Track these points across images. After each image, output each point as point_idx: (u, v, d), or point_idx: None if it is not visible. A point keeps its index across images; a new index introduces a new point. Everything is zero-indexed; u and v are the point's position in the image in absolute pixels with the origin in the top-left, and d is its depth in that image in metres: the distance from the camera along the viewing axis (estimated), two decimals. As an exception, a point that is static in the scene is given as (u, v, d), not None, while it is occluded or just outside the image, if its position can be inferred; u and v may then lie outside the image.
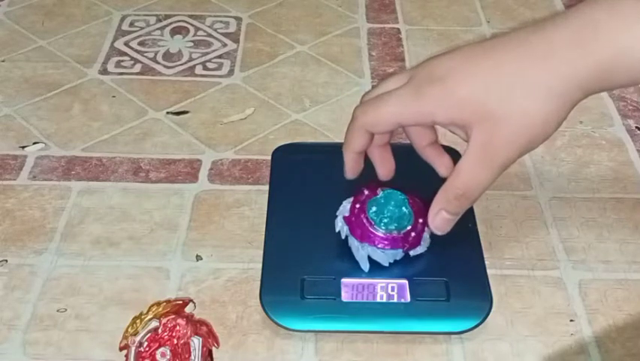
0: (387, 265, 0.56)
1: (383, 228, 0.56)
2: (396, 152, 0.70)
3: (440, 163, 0.57)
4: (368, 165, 0.59)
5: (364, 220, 0.56)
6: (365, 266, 0.57)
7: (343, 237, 0.58)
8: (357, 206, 0.57)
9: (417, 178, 0.59)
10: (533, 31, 0.49)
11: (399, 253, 0.56)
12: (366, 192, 0.58)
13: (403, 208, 0.57)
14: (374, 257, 0.56)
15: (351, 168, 0.57)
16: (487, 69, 0.49)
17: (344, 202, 0.59)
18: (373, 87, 0.56)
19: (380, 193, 0.57)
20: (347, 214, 0.58)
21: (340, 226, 0.58)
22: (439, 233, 0.55)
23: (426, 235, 0.57)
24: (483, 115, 0.49)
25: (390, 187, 0.58)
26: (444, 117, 0.51)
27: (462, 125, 0.51)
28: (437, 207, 0.53)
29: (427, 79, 0.51)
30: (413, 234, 0.56)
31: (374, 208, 0.56)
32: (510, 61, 0.49)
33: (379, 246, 0.56)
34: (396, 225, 0.56)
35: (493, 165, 0.51)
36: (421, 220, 0.56)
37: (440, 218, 0.54)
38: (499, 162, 0.50)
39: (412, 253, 0.57)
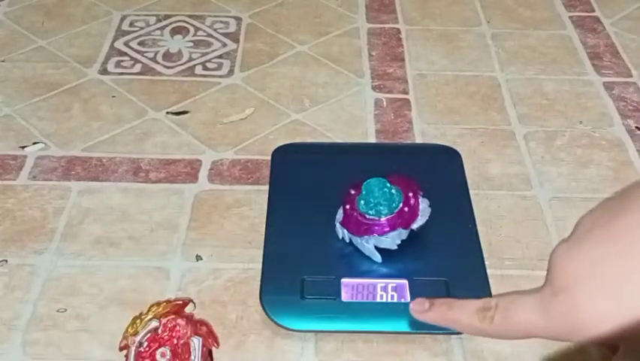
0: (395, 247, 0.57)
1: (376, 215, 0.56)
2: (395, 151, 0.70)
3: None
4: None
5: (358, 217, 0.57)
6: (377, 257, 0.57)
7: (348, 241, 0.58)
8: (348, 207, 0.58)
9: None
10: None
11: (403, 233, 0.57)
12: (352, 191, 0.58)
13: (387, 190, 0.57)
14: (381, 245, 0.57)
15: None
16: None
17: (339, 210, 0.59)
18: None
19: (362, 187, 0.58)
20: (342, 219, 0.58)
21: (341, 232, 0.58)
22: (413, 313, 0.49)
23: (424, 206, 0.57)
24: None
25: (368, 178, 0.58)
26: None
27: None
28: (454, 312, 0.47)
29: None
30: (406, 209, 0.56)
31: (362, 202, 0.57)
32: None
33: (380, 233, 0.56)
34: (387, 207, 0.56)
35: None
36: (410, 194, 0.57)
37: (427, 313, 0.48)
38: None
39: (415, 227, 0.57)
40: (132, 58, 0.82)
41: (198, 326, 0.53)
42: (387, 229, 0.56)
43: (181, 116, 0.75)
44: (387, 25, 0.88)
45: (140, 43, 0.85)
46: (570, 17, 0.90)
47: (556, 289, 0.40)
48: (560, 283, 0.40)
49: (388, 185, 0.57)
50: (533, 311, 0.42)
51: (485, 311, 0.44)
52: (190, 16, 0.89)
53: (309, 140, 0.72)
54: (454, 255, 0.58)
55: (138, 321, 0.53)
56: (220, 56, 0.83)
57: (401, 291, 0.55)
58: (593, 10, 0.91)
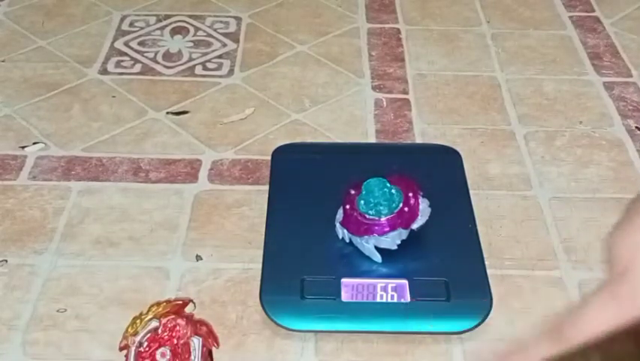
0: (395, 247, 0.57)
1: (376, 215, 0.56)
2: (395, 151, 0.70)
3: None
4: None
5: (358, 217, 0.57)
6: (377, 257, 0.57)
7: (348, 241, 0.58)
8: (348, 207, 0.58)
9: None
10: None
11: (403, 233, 0.57)
12: (352, 191, 0.58)
13: (387, 190, 0.57)
14: (381, 245, 0.57)
15: None
16: None
17: (339, 210, 0.59)
18: None
19: (362, 187, 0.58)
20: (342, 219, 0.58)
21: (341, 232, 0.58)
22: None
23: (424, 206, 0.57)
24: None
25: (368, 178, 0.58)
26: None
27: None
28: None
29: None
30: (406, 209, 0.56)
31: (362, 202, 0.57)
32: None
33: (380, 233, 0.56)
34: (387, 207, 0.56)
35: None
36: (410, 194, 0.57)
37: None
38: None
39: (415, 227, 0.57)
40: (132, 58, 0.82)
41: (198, 326, 0.53)
42: (387, 229, 0.56)
43: (181, 116, 0.75)
44: (387, 25, 0.88)
45: (140, 43, 0.85)
46: (570, 17, 0.90)
47: (621, 270, 0.39)
48: (623, 265, 0.39)
49: (388, 185, 0.57)
50: (605, 303, 0.41)
51: (554, 333, 0.43)
52: (190, 16, 0.89)
53: (309, 140, 0.72)
54: (454, 255, 0.58)
55: (138, 321, 0.52)
56: (220, 56, 0.83)
57: (401, 291, 0.55)
58: (593, 10, 0.91)
